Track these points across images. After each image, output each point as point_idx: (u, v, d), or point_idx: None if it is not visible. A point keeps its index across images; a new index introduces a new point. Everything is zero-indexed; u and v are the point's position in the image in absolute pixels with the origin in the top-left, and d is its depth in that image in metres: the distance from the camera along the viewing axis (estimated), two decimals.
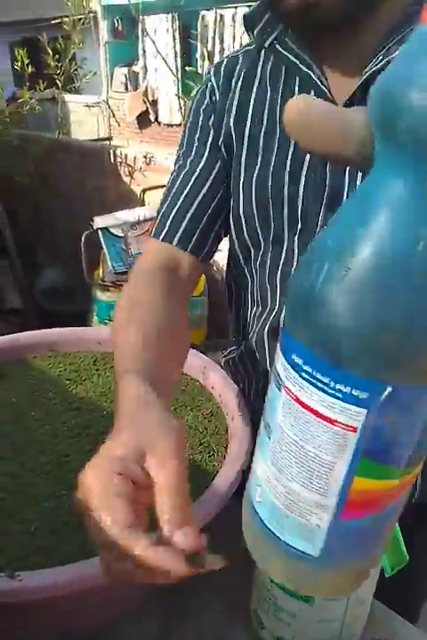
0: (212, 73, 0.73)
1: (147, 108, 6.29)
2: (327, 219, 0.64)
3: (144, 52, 6.21)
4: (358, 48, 0.61)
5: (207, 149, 0.71)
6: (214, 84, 0.71)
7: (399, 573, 0.62)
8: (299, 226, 0.66)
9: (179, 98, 4.75)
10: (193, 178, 0.70)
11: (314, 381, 0.29)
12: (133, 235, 2.66)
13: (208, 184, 0.70)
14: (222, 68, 0.71)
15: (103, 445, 0.39)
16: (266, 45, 0.66)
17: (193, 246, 0.69)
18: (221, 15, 5.20)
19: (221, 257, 0.89)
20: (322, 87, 0.63)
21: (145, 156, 3.37)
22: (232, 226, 0.72)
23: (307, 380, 0.29)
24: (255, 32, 0.67)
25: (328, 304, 0.27)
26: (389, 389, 0.27)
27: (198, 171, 0.71)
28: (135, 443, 0.38)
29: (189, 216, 0.69)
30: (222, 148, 0.71)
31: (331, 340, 0.27)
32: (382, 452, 0.29)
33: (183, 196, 0.70)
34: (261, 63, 0.69)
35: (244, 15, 0.68)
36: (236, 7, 5.09)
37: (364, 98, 0.53)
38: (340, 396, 0.28)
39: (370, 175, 0.28)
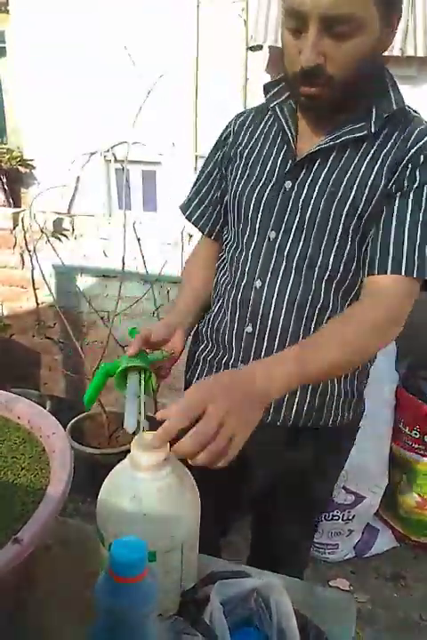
0: (233, 119, 1.11)
1: None
2: (259, 231, 1.01)
3: None
4: (323, 121, 0.94)
5: (218, 171, 1.12)
6: (230, 130, 1.10)
7: None
8: (241, 223, 1.04)
9: None
10: (211, 187, 1.13)
11: None
12: None
13: (219, 192, 1.11)
14: (240, 118, 1.09)
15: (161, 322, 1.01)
16: (270, 106, 1.01)
17: (209, 231, 1.15)
18: None
19: None
20: (292, 145, 0.97)
21: None
22: (229, 211, 1.09)
23: None
24: (268, 96, 1.01)
25: None
26: None
27: (211, 183, 1.13)
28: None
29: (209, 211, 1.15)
30: (225, 169, 1.09)
31: None
32: None
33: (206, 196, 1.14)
34: (264, 116, 1.05)
35: (264, 85, 1.03)
36: None
37: (313, 160, 0.97)
38: None
39: None
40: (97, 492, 0.70)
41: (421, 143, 0.90)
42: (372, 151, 0.92)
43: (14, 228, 2.48)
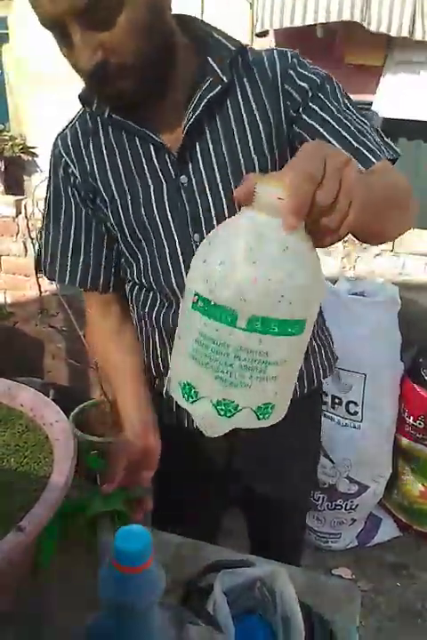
0: (60, 146, 0.90)
1: None
2: (180, 238, 0.86)
3: None
4: (172, 106, 0.81)
5: (79, 209, 0.91)
6: (67, 160, 0.89)
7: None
8: (154, 241, 0.88)
9: None
10: (79, 236, 0.92)
11: None
12: None
13: (93, 235, 0.92)
14: (69, 141, 0.89)
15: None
16: (105, 116, 0.83)
17: (103, 286, 0.96)
18: None
19: None
20: (158, 140, 0.82)
21: None
22: (127, 242, 0.91)
23: None
24: (94, 107, 0.83)
25: None
26: None
27: (78, 232, 0.92)
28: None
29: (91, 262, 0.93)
30: (91, 203, 0.90)
31: None
32: None
33: (79, 246, 0.92)
34: (101, 130, 0.87)
35: (79, 95, 0.85)
36: None
37: (192, 143, 0.82)
38: None
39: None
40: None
41: (278, 64, 0.83)
42: (241, 100, 0.83)
43: (17, 215, 2.47)
